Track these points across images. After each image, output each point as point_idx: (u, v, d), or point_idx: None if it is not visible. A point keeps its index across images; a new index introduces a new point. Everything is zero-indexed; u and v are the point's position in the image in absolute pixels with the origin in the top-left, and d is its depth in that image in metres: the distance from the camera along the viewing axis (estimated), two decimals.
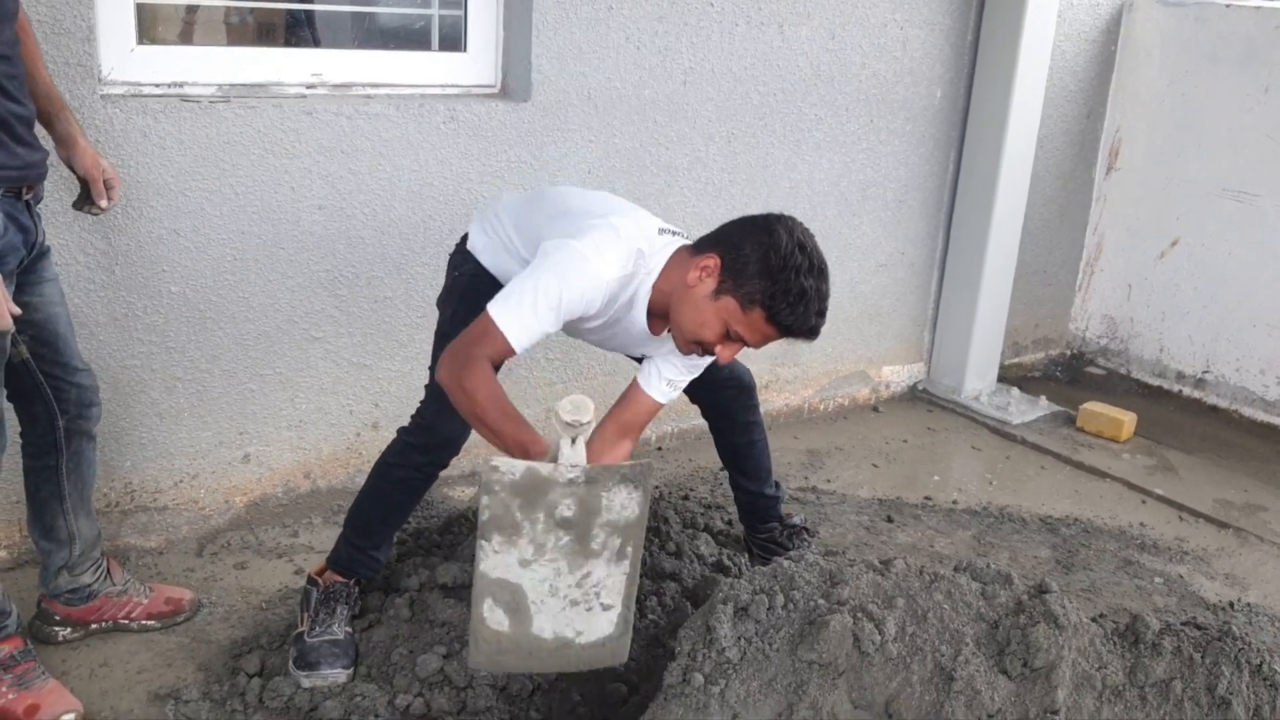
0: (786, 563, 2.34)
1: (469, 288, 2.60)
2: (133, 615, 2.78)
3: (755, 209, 3.96)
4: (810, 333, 2.36)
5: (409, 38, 4.20)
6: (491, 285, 2.55)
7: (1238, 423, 4.84)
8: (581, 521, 2.11)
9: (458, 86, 3.41)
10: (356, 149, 3.16)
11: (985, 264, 4.58)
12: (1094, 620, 2.29)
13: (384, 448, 3.39)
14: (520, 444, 2.22)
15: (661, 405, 2.69)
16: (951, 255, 4.72)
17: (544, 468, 2.06)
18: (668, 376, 2.65)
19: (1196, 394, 5.02)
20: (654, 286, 2.44)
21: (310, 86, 3.16)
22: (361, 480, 3.34)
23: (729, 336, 2.36)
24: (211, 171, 2.96)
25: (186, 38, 4.06)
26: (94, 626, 2.73)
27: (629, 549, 2.17)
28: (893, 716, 2.07)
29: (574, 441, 2.08)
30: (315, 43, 4.50)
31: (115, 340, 2.94)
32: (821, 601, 2.18)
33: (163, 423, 3.08)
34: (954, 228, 4.67)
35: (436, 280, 3.36)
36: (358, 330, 3.31)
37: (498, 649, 2.18)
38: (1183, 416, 4.89)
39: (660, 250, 2.46)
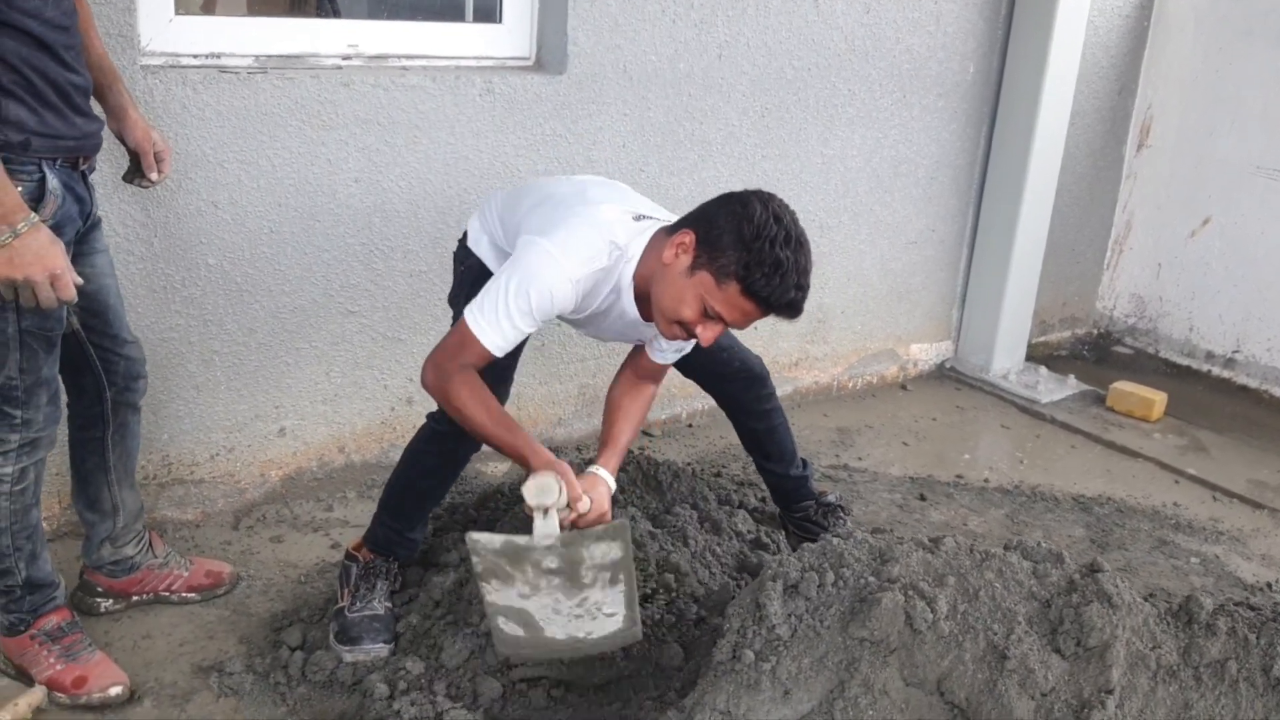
0: (835, 540, 2.33)
1: (475, 283, 2.49)
2: (174, 588, 2.78)
3: (787, 184, 3.98)
4: (790, 307, 2.25)
5: (443, 10, 4.17)
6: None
7: (1269, 403, 4.82)
8: (568, 569, 2.20)
9: (493, 59, 3.38)
10: (393, 121, 3.13)
11: (1015, 241, 4.55)
12: (1146, 599, 2.27)
13: (417, 425, 3.42)
14: (519, 455, 2.27)
15: (669, 365, 2.68)
16: (981, 232, 4.69)
17: (520, 540, 2.16)
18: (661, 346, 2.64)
19: (1226, 374, 4.99)
20: (636, 272, 2.38)
21: (346, 58, 3.14)
22: (395, 455, 3.35)
23: (707, 315, 2.27)
24: (249, 143, 2.94)
25: (209, 9, 4.03)
26: (135, 598, 2.74)
27: (620, 575, 2.23)
28: (945, 694, 2.07)
29: (545, 514, 2.16)
30: (335, 14, 4.46)
31: (153, 313, 2.93)
32: (872, 579, 2.17)
33: (200, 396, 3.07)
34: (984, 205, 4.64)
35: None
36: (392, 304, 3.30)
37: (517, 647, 2.34)
38: (1212, 396, 4.86)
39: (639, 236, 2.40)
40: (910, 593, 2.11)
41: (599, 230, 2.33)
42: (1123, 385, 4.56)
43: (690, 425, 4.13)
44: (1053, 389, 4.66)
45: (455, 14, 3.59)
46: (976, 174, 4.61)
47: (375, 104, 3.09)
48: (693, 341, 2.49)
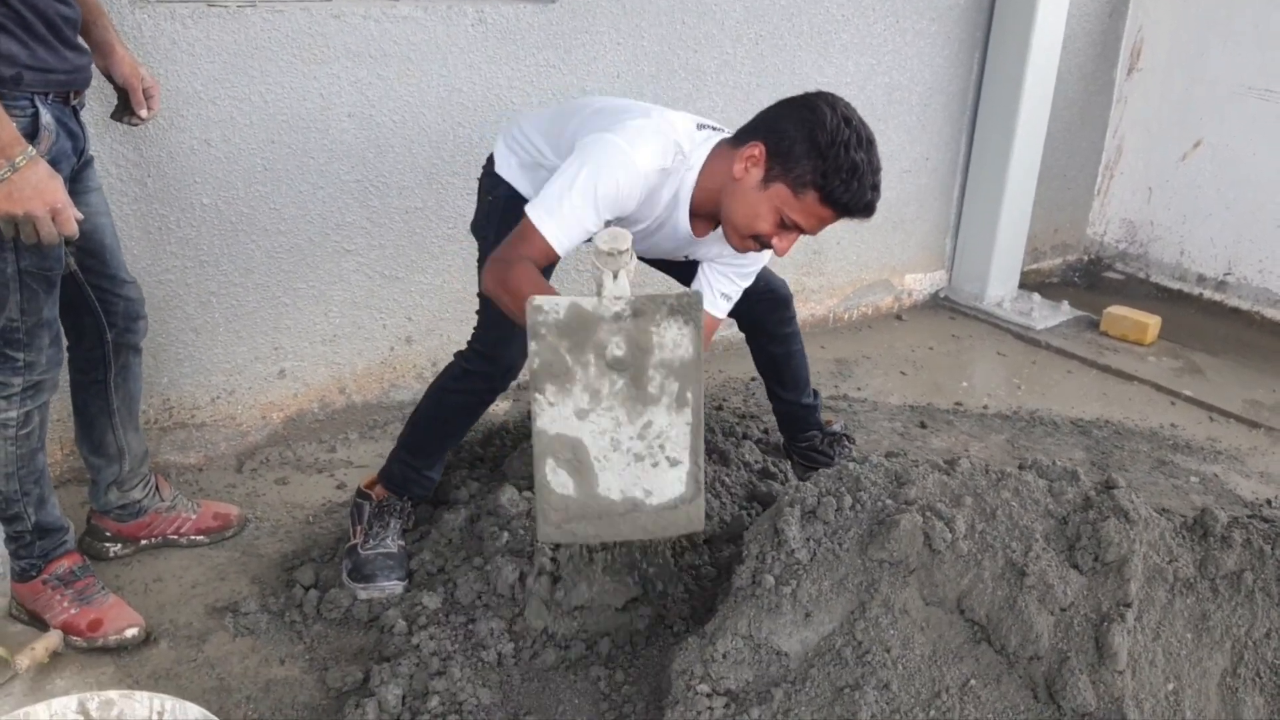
0: (852, 465, 2.33)
1: (506, 210, 2.47)
2: (182, 530, 2.76)
3: None
4: (867, 209, 2.25)
5: None
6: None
7: (1260, 324, 4.84)
8: (635, 361, 2.02)
9: None
10: (385, 54, 3.07)
11: (1010, 168, 4.53)
12: (1161, 513, 2.29)
13: (416, 365, 3.40)
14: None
15: (720, 320, 2.65)
16: (975, 160, 4.66)
17: (588, 301, 2.00)
18: (721, 290, 2.61)
19: (1218, 296, 5.01)
20: (697, 185, 2.35)
21: None
22: (397, 395, 3.36)
23: (784, 225, 2.27)
24: (241, 79, 2.88)
25: None
26: (144, 542, 2.72)
27: (688, 394, 2.07)
28: (965, 612, 2.08)
29: (615, 275, 2.00)
30: None
31: (149, 254, 2.88)
32: (889, 502, 2.18)
33: (199, 338, 3.04)
34: (978, 131, 4.61)
35: (467, 189, 3.32)
36: (389, 242, 3.26)
37: (566, 515, 2.11)
38: (1204, 319, 4.89)
39: (700, 146, 2.36)
40: (928, 513, 2.12)
41: (664, 131, 2.28)
42: (1116, 310, 4.57)
43: None
44: (1047, 315, 4.67)
45: None
46: (970, 100, 4.57)
47: (367, 36, 3.03)
48: (753, 276, 2.56)
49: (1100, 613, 2.05)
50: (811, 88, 3.96)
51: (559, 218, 2.16)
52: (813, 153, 2.17)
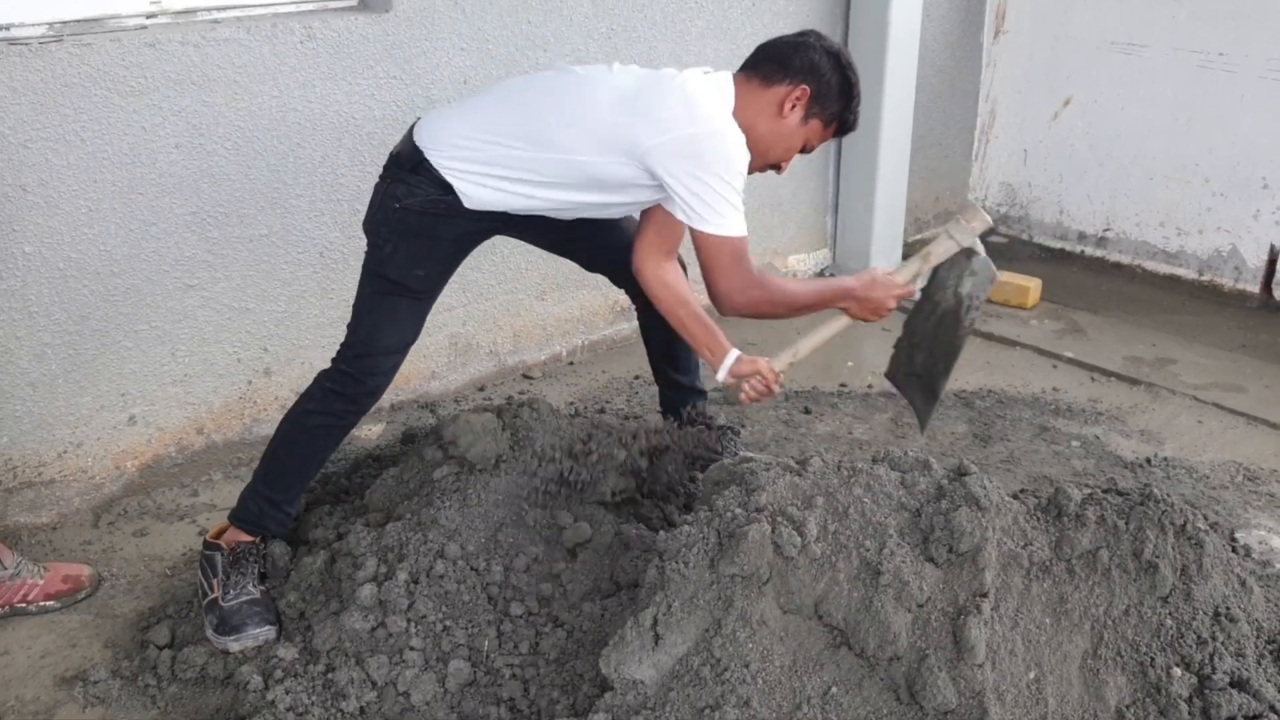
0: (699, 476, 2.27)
1: (416, 223, 2.45)
2: (30, 598, 2.63)
3: None
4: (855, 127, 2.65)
5: None
6: (437, 220, 2.44)
7: (1141, 277, 4.89)
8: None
9: (312, 1, 3.19)
10: (209, 79, 2.94)
11: (880, 142, 4.50)
12: (1015, 497, 2.27)
13: (279, 397, 3.28)
14: (838, 293, 2.66)
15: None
16: (846, 138, 4.61)
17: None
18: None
19: (1099, 253, 5.05)
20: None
21: (150, 16, 2.93)
22: (259, 431, 3.24)
23: (801, 150, 2.57)
24: (52, 119, 2.73)
25: None
26: None
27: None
28: (823, 617, 2.04)
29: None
30: None
31: None
32: (739, 511, 2.12)
33: (36, 393, 2.89)
34: None
35: (314, 211, 3.22)
36: (235, 273, 3.13)
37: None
38: (1087, 276, 4.92)
39: (720, 87, 2.48)
40: (778, 520, 2.06)
41: (705, 89, 2.44)
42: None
43: (571, 363, 4.04)
44: None
45: None
46: None
47: (186, 63, 2.90)
48: None
49: (957, 606, 2.02)
50: None
51: (738, 217, 2.42)
52: (845, 93, 2.52)
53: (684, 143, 2.36)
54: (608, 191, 2.49)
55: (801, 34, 2.56)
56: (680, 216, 2.42)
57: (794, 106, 2.47)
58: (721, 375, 2.59)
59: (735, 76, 2.52)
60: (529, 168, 2.43)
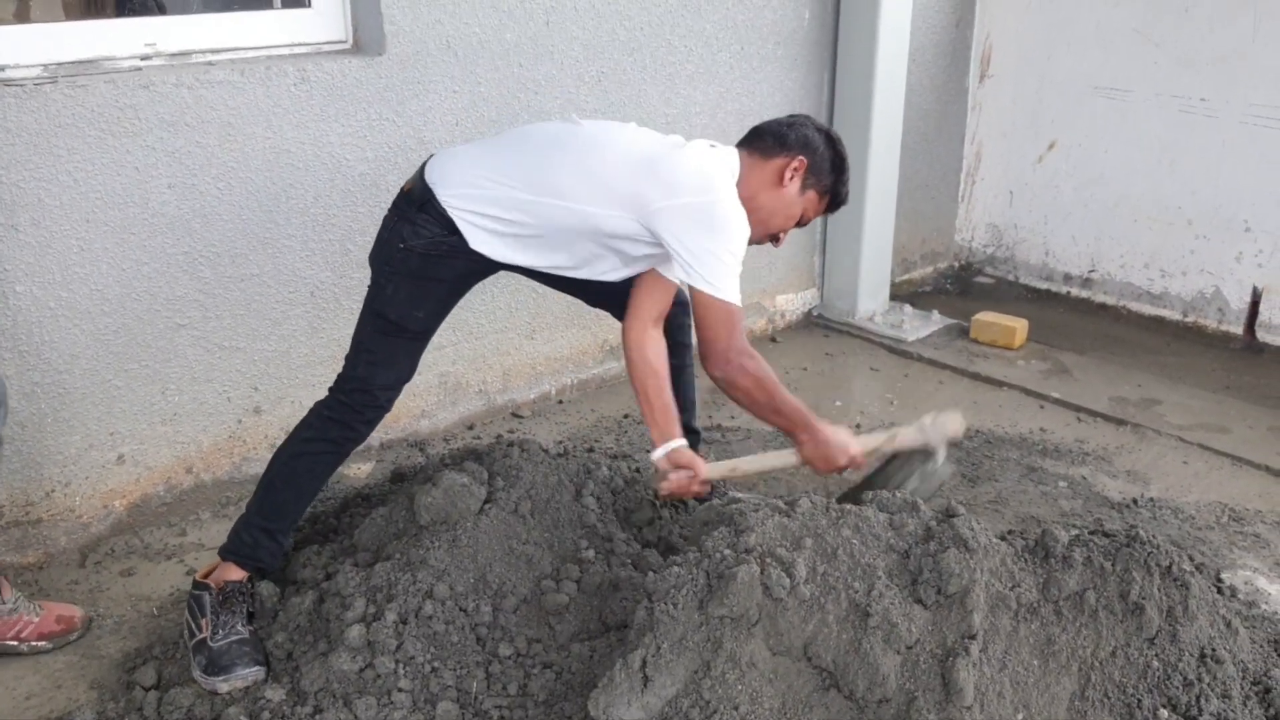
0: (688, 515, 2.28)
1: (419, 264, 2.51)
2: (23, 635, 2.60)
3: None
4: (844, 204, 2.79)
5: None
6: (439, 261, 2.50)
7: (1126, 318, 4.93)
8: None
9: (306, 45, 3.22)
10: (202, 120, 2.97)
11: (867, 184, 4.55)
12: (1003, 538, 2.28)
13: (268, 435, 3.28)
14: (800, 423, 2.66)
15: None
16: None
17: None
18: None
19: (1084, 294, 5.09)
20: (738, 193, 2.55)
21: (145, 58, 2.95)
22: (249, 469, 3.25)
23: (798, 223, 2.69)
24: (46, 159, 2.75)
25: (23, 16, 3.77)
26: None
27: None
28: (812, 659, 2.04)
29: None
30: (160, 9, 4.20)
31: None
32: (728, 552, 2.13)
33: (25, 432, 2.88)
34: None
35: (305, 250, 3.24)
36: (225, 312, 3.14)
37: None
38: (1073, 317, 4.96)
39: (724, 160, 2.58)
40: (767, 561, 2.07)
41: (717, 163, 2.54)
42: (984, 316, 4.61)
43: (560, 402, 4.05)
44: (918, 326, 4.70)
45: (263, 2, 3.40)
46: (823, 120, 4.58)
47: (180, 104, 2.92)
48: None
49: (945, 647, 2.02)
50: (661, 121, 4.02)
51: (734, 285, 2.48)
52: (837, 167, 2.67)
53: (694, 210, 2.44)
54: (599, 242, 2.53)
55: (793, 116, 2.72)
56: (680, 275, 2.49)
57: (793, 177, 2.59)
58: (657, 455, 2.62)
59: (743, 152, 2.64)
60: (527, 211, 2.48)
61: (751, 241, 2.56)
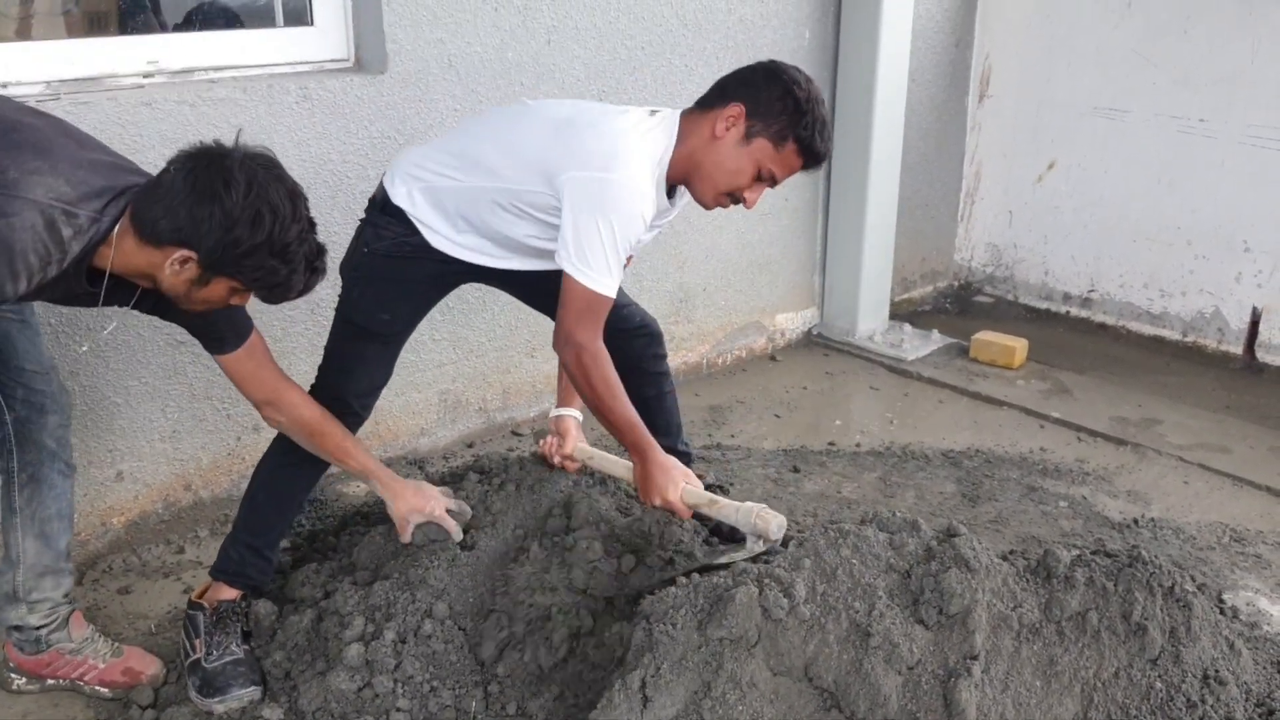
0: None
1: (385, 270, 2.52)
2: (85, 679, 2.53)
3: None
4: (826, 157, 2.49)
5: (251, 15, 3.97)
6: (403, 264, 2.49)
7: (1126, 338, 4.93)
8: None
9: (308, 63, 3.23)
10: (205, 137, 2.94)
11: (868, 203, 4.55)
12: (1004, 558, 2.27)
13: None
14: (638, 442, 2.48)
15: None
16: (834, 198, 4.68)
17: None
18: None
19: (1084, 313, 5.09)
20: (671, 159, 2.41)
21: (147, 75, 2.96)
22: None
23: (759, 179, 2.41)
24: None
25: (25, 34, 3.77)
26: (49, 682, 2.53)
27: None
28: (813, 679, 2.03)
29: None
30: (162, 27, 4.21)
31: None
32: (725, 574, 2.12)
33: None
34: (834, 170, 4.62)
35: None
36: None
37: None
38: (1072, 337, 4.96)
39: (661, 128, 2.42)
40: (766, 582, 2.06)
41: (638, 139, 2.36)
42: (984, 335, 4.61)
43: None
44: (917, 345, 4.70)
45: (272, 18, 3.41)
46: None
47: (182, 121, 2.92)
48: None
49: (947, 668, 2.01)
50: None
51: (609, 273, 2.32)
52: (792, 110, 2.35)
53: (591, 184, 2.30)
54: (536, 221, 2.45)
55: (759, 62, 2.49)
56: (559, 251, 2.34)
57: (729, 126, 2.37)
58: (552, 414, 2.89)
59: (681, 114, 2.47)
60: (462, 197, 2.46)
61: (708, 205, 2.46)
